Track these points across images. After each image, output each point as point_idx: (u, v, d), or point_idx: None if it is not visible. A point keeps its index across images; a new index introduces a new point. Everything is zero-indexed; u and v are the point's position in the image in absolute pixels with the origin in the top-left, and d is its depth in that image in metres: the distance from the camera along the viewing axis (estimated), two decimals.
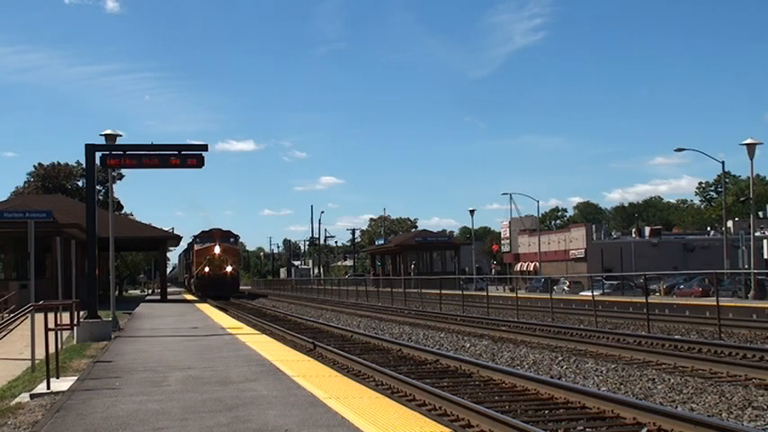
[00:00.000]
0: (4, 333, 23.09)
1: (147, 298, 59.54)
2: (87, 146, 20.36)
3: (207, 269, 58.12)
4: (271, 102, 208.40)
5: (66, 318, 16.96)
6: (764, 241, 51.66)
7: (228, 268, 58.92)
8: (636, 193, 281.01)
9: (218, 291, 55.89)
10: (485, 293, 37.89)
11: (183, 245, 75.27)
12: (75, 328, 18.45)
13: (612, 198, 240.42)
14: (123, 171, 58.97)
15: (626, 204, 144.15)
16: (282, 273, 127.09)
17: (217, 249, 58.38)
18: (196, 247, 60.99)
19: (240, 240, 67.10)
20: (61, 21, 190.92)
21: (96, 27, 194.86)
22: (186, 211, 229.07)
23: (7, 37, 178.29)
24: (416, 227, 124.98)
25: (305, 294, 67.14)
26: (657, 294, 41.70)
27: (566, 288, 51.83)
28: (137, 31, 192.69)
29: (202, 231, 61.53)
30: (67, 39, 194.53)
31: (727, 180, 76.87)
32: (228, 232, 62.22)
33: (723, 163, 44.51)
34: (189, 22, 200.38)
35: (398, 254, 79.70)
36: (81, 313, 19.77)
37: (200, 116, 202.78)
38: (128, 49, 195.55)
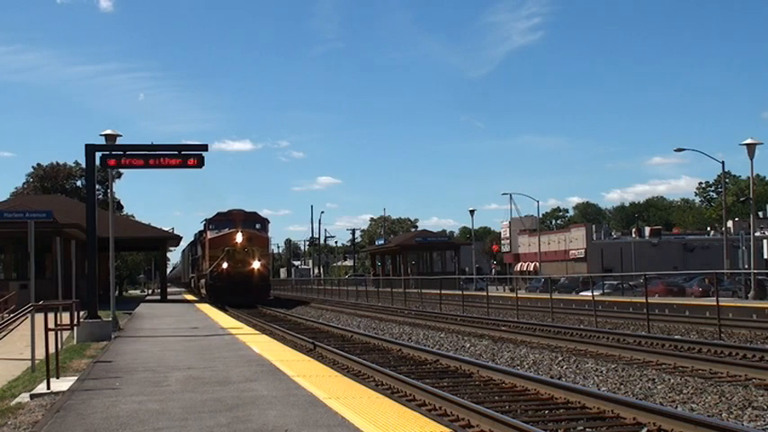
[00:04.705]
0: (4, 333, 23.11)
1: (147, 298, 59.34)
2: (87, 146, 20.37)
3: (225, 265, 43.16)
4: (267, 102, 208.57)
5: (66, 318, 16.96)
6: (764, 241, 51.64)
7: (256, 264, 43.50)
8: (635, 193, 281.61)
9: (242, 295, 41.98)
10: (485, 293, 37.88)
11: (184, 245, 71.32)
12: (75, 328, 18.44)
13: (611, 198, 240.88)
14: (123, 171, 58.49)
15: (626, 204, 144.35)
16: (282, 273, 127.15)
17: (239, 237, 43.32)
18: (209, 234, 45.56)
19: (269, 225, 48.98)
20: (55, 20, 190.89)
21: (90, 27, 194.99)
22: (185, 211, 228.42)
23: (3, 36, 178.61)
24: (416, 227, 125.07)
25: (305, 294, 67.12)
26: (657, 295, 41.67)
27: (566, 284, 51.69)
28: (131, 31, 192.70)
29: (218, 213, 46.41)
30: (62, 39, 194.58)
31: (727, 180, 76.89)
32: (254, 214, 46.99)
33: (723, 163, 44.71)
34: (184, 22, 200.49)
35: (398, 254, 79.66)
36: (81, 313, 19.77)
37: (197, 116, 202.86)
38: (123, 48, 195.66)
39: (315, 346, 19.16)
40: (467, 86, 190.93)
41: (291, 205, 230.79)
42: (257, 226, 46.24)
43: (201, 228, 50.30)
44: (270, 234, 48.62)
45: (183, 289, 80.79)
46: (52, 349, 12.04)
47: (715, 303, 22.36)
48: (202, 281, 48.26)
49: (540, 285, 51.01)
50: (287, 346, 18.06)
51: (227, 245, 43.55)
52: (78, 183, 72.56)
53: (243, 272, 43.19)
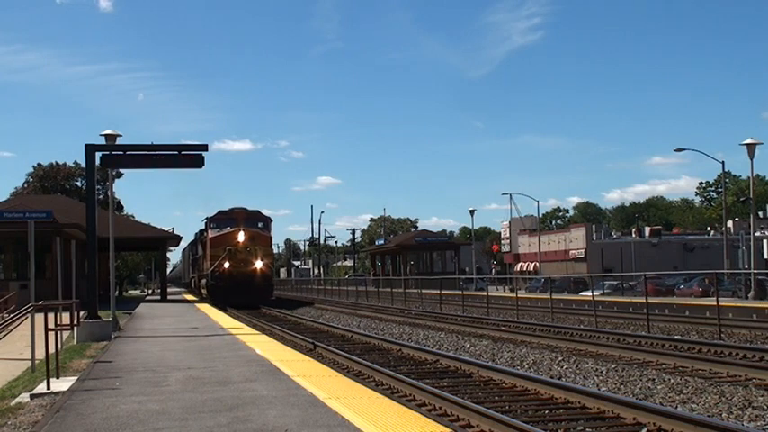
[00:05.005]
0: (4, 333, 23.11)
1: (147, 298, 59.34)
2: (87, 146, 20.36)
3: (227, 265, 42.25)
4: (267, 102, 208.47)
5: (66, 318, 16.96)
6: (764, 241, 51.66)
7: (258, 264, 42.66)
8: (635, 193, 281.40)
9: (244, 296, 41.13)
10: (485, 293, 37.90)
11: (184, 245, 71.34)
12: (75, 328, 18.44)
13: (611, 198, 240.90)
14: (123, 171, 58.37)
15: (626, 204, 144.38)
16: (282, 273, 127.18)
17: (241, 236, 42.45)
18: (210, 234, 44.72)
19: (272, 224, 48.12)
20: (55, 20, 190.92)
21: (90, 27, 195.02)
22: (185, 211, 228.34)
23: (3, 36, 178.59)
24: (416, 227, 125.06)
25: (305, 294, 67.12)
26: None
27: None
28: (131, 31, 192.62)
29: (219, 212, 45.48)
30: (62, 39, 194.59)
31: (727, 180, 76.92)
32: (257, 213, 46.09)
33: (723, 163, 44.77)
34: (184, 22, 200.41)
35: (398, 254, 79.70)
36: (81, 313, 19.78)
37: (197, 116, 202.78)
38: (123, 48, 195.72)
39: (315, 346, 19.16)
40: (467, 86, 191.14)
41: (291, 205, 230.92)
42: (260, 225, 45.32)
43: (203, 227, 49.37)
44: (272, 233, 47.57)
45: (182, 289, 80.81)
46: (52, 349, 12.03)
47: (715, 303, 22.36)
48: (203, 281, 47.19)
49: (539, 285, 51.08)
50: (287, 346, 18.06)
51: (228, 244, 42.56)
52: (78, 183, 72.57)
53: (245, 272, 42.15)
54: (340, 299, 53.23)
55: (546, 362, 16.14)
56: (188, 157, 19.96)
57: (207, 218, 46.48)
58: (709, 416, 9.98)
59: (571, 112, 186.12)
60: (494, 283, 61.30)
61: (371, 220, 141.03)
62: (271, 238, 47.24)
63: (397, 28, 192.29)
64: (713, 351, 16.58)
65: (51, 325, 12.37)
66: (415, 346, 18.79)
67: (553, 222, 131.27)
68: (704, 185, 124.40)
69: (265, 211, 47.39)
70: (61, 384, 11.31)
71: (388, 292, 49.12)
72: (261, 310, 39.04)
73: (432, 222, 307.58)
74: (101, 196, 60.72)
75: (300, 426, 7.59)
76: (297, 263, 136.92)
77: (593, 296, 29.90)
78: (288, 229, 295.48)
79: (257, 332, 22.02)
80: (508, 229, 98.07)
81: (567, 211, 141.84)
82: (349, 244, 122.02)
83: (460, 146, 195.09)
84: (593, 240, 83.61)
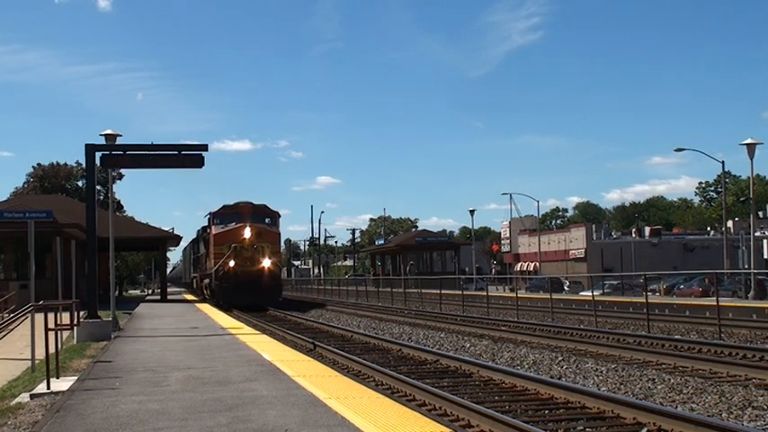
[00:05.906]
0: (4, 333, 23.13)
1: (147, 298, 59.34)
2: (87, 146, 20.37)
3: (232, 263, 39.35)
4: (267, 102, 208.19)
5: (66, 318, 16.97)
6: (764, 241, 51.67)
7: (266, 262, 39.72)
8: (634, 193, 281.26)
9: (251, 296, 38.38)
10: (485, 293, 37.90)
11: (184, 245, 70.77)
12: (75, 328, 18.45)
13: (611, 198, 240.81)
14: (123, 171, 58.40)
15: (626, 204, 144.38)
16: (282, 272, 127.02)
17: (247, 232, 39.50)
18: (214, 230, 41.49)
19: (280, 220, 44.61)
20: (53, 20, 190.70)
21: (89, 26, 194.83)
22: (185, 210, 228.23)
23: (2, 36, 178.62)
24: (416, 227, 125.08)
25: (305, 294, 67.12)
26: (657, 294, 41.71)
27: (566, 288, 51.86)
28: (130, 31, 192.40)
29: (224, 206, 42.04)
30: (61, 38, 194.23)
31: (727, 180, 76.91)
32: (264, 207, 42.45)
33: (723, 163, 44.75)
34: (184, 22, 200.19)
35: (398, 254, 79.69)
36: (81, 313, 19.77)
37: (196, 116, 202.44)
38: (122, 48, 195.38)
39: (315, 346, 19.15)
40: (467, 86, 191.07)
41: (291, 205, 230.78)
42: (267, 220, 42.05)
43: (205, 223, 45.93)
44: (280, 229, 44.17)
45: (183, 289, 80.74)
46: (52, 349, 12.04)
47: (715, 303, 22.36)
48: (206, 281, 44.71)
49: (539, 285, 51.06)
50: (287, 345, 18.06)
51: (234, 241, 39.55)
52: (79, 183, 72.59)
53: (252, 271, 39.13)
54: (340, 299, 53.24)
55: (546, 362, 16.14)
56: (188, 156, 19.98)
57: (210, 213, 43.04)
58: (709, 416, 9.98)
59: (571, 112, 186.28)
60: (494, 283, 61.28)
61: (371, 220, 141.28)
62: (279, 234, 43.85)
63: (397, 28, 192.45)
64: (713, 351, 16.57)
65: (51, 325, 12.37)
66: (415, 346, 18.79)
67: (553, 222, 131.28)
68: (704, 185, 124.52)
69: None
70: (61, 384, 11.32)
71: (388, 292, 49.13)
72: (261, 311, 38.64)
73: (432, 222, 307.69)
74: (101, 197, 60.78)
75: (300, 426, 7.60)
76: (297, 263, 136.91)
77: (593, 296, 29.91)
78: (288, 229, 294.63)
79: (257, 332, 22.02)
80: (508, 229, 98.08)
81: (567, 210, 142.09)
82: (349, 244, 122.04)
83: (460, 146, 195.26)
84: (593, 240, 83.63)
